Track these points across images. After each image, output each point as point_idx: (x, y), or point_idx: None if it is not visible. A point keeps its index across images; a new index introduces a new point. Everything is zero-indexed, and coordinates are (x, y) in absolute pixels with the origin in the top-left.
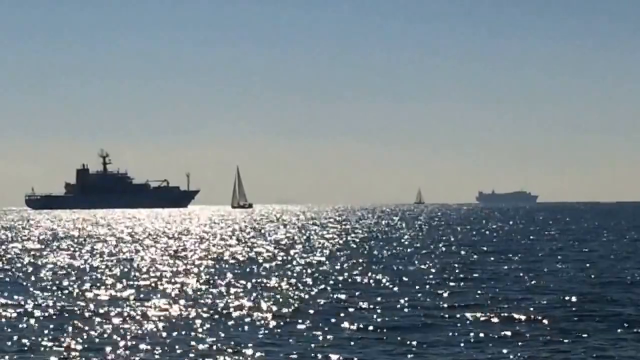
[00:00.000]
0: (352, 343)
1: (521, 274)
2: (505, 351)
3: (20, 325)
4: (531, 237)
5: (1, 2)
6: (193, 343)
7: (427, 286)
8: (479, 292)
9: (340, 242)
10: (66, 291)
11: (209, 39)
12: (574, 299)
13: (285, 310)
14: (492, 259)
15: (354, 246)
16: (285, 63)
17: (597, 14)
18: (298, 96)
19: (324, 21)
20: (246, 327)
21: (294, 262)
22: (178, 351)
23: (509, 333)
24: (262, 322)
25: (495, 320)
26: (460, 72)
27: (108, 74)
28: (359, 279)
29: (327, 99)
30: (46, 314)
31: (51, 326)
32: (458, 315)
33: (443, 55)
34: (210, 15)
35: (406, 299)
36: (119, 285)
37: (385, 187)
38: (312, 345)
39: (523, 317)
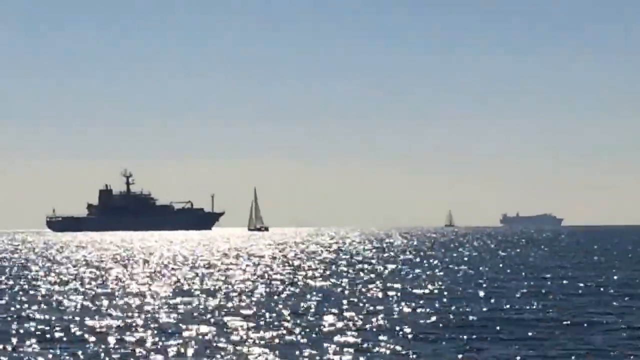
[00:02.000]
0: None
1: None
2: None
3: None
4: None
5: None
6: None
7: None
8: None
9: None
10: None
11: (233, 64)
12: None
13: None
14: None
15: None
16: (308, 87)
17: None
18: (321, 119)
19: (353, 49)
20: None
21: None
22: None
23: None
24: None
25: None
26: (488, 94)
27: (132, 94)
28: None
29: (348, 123)
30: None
31: None
32: None
33: (471, 77)
34: (232, 43)
35: None
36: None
37: (405, 210)
38: None
39: None
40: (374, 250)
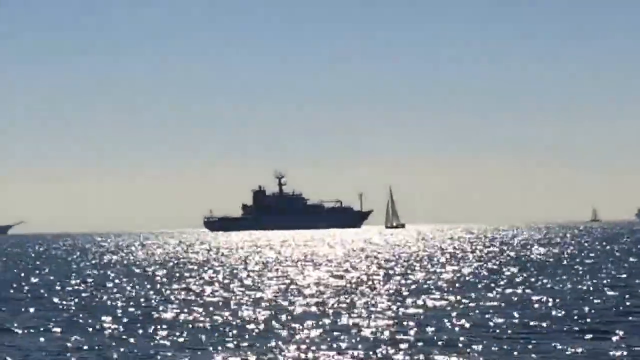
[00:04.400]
0: None
1: None
2: None
3: None
4: None
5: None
6: None
7: None
8: None
9: None
10: None
11: (368, 58)
12: None
13: None
14: None
15: None
16: (439, 80)
17: None
18: (464, 112)
19: (487, 37)
20: None
21: None
22: None
23: None
24: None
25: None
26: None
27: (283, 96)
28: None
29: (485, 116)
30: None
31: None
32: None
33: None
34: (369, 35)
35: None
36: None
37: (545, 205)
38: None
39: None
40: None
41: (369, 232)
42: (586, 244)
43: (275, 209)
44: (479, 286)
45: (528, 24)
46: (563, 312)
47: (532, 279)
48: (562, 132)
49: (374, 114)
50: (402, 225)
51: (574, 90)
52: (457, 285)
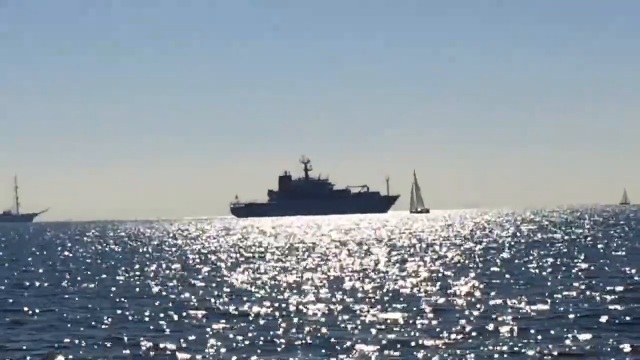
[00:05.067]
0: None
1: None
2: None
3: None
4: None
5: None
6: None
7: None
8: None
9: None
10: None
11: (394, 42)
12: None
13: None
14: None
15: None
16: (469, 65)
17: None
18: (491, 100)
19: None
20: None
21: None
22: None
23: None
24: None
25: None
26: None
27: (309, 81)
28: None
29: (514, 99)
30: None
31: None
32: None
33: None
34: (396, 20)
35: None
36: None
37: (573, 189)
38: None
39: None
40: None
41: (402, 219)
42: None
43: (301, 194)
44: None
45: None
46: None
47: None
48: (592, 114)
49: (400, 98)
50: (427, 211)
51: (603, 69)
52: None
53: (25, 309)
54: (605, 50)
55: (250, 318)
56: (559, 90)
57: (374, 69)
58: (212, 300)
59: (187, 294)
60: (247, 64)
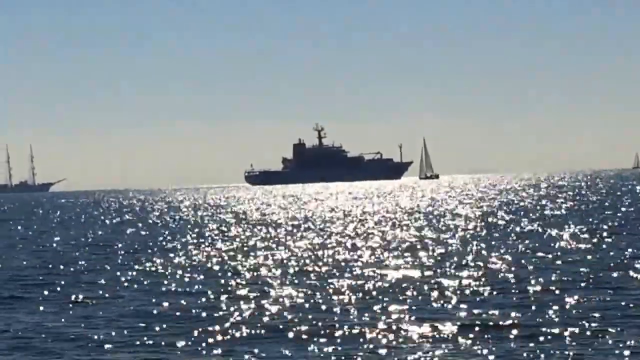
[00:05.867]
0: None
1: None
2: None
3: None
4: None
5: None
6: None
7: None
8: None
9: None
10: None
11: (406, 12)
12: None
13: None
14: None
15: None
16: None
17: None
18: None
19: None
20: None
21: None
22: None
23: None
24: None
25: None
26: None
27: (322, 50)
28: None
29: (525, 62)
30: None
31: None
32: None
33: None
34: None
35: None
36: None
37: (583, 152)
38: None
39: None
40: None
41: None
42: None
43: (315, 162)
44: None
45: None
46: None
47: None
48: (603, 76)
49: (412, 65)
50: (436, 176)
51: (619, 36)
52: None
53: None
54: (622, 12)
55: None
56: (574, 53)
57: (387, 38)
58: None
59: None
60: (261, 32)
